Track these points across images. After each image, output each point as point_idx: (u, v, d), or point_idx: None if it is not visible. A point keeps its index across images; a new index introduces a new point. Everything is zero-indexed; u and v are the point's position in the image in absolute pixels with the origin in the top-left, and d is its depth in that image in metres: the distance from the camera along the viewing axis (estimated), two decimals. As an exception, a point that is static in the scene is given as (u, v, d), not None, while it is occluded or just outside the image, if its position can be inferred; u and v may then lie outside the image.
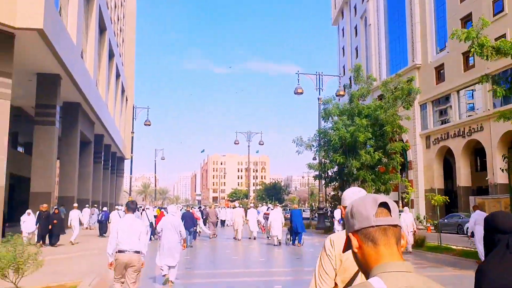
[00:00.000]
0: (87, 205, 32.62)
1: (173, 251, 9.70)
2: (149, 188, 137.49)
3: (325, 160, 26.02)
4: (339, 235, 2.60)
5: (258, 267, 13.08)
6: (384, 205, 1.40)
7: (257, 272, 12.09)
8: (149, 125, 39.94)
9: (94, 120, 37.22)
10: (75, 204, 25.50)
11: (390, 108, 24.34)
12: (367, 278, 1.38)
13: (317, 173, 27.73)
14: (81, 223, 23.99)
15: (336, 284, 2.56)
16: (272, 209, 22.93)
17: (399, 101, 24.62)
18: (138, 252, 6.80)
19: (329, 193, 31.57)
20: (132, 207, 7.31)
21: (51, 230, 18.06)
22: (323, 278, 2.56)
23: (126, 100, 57.75)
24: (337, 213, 24.06)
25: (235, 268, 12.96)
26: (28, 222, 18.53)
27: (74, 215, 21.85)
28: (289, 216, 20.96)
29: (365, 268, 1.41)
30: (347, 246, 1.47)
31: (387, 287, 1.28)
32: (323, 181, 28.33)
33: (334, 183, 27.00)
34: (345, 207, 2.69)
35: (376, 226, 1.37)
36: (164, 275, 10.15)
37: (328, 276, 2.55)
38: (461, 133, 31.87)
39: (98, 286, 9.67)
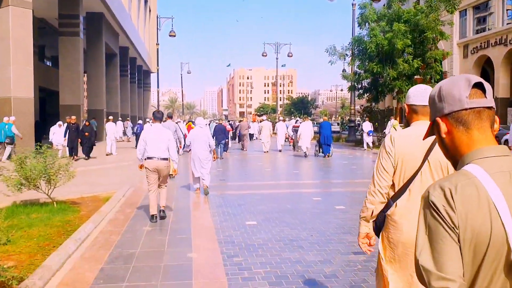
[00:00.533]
0: (120, 119, 32.91)
1: (203, 163, 9.68)
2: (176, 102, 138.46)
3: (360, 70, 24.69)
4: (400, 134, 2.59)
5: (292, 179, 12.72)
6: (478, 85, 1.29)
7: (292, 184, 11.73)
8: (174, 36, 38.59)
9: (118, 31, 36.17)
10: (111, 117, 25.49)
11: (432, 13, 22.38)
12: (454, 165, 1.35)
13: (350, 84, 26.57)
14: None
15: (393, 183, 2.55)
16: (301, 122, 22.79)
17: (442, 5, 22.54)
18: (165, 159, 7.18)
19: (362, 106, 30.52)
20: (158, 116, 7.57)
21: (82, 142, 17.41)
22: (382, 175, 2.56)
23: (150, 11, 55.72)
24: (366, 126, 24.55)
25: (269, 179, 12.64)
26: (58, 134, 18.34)
27: (109, 127, 21.79)
28: (318, 129, 20.81)
29: (453, 154, 1.34)
30: (430, 132, 1.40)
31: (487, 173, 1.20)
32: (356, 93, 27.18)
33: (367, 94, 25.87)
34: (409, 105, 2.63)
35: (470, 108, 1.28)
36: (196, 189, 10.11)
37: (387, 173, 2.55)
38: (502, 41, 29.55)
39: (132, 197, 9.48)
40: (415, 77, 24.02)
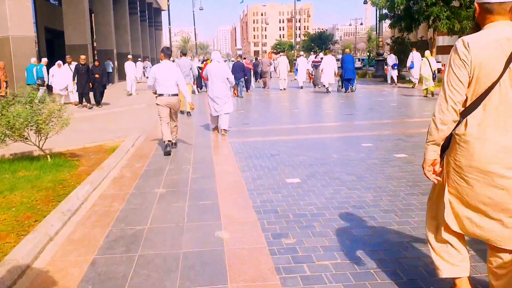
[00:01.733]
0: (139, 59, 31.23)
1: (223, 100, 8.82)
2: (189, 42, 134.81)
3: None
4: (475, 37, 2.19)
5: (326, 120, 11.00)
6: None
7: (328, 127, 10.04)
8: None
9: (124, -36, 33.41)
10: (129, 56, 23.97)
11: None
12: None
13: (379, 13, 23.96)
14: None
15: (466, 97, 2.23)
16: (322, 57, 21.43)
17: None
18: (175, 95, 7.32)
19: (392, 37, 27.89)
20: (167, 53, 7.54)
21: (93, 87, 15.01)
22: (456, 88, 2.20)
23: None
24: (391, 59, 23.00)
25: (300, 122, 10.96)
26: (59, 76, 15.48)
27: (129, 67, 20.79)
28: (340, 63, 19.66)
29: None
30: None
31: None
32: (386, 23, 24.62)
33: (400, 23, 23.28)
34: (481, 4, 2.23)
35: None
36: (214, 128, 9.35)
37: (462, 85, 2.20)
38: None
39: (143, 146, 7.95)
40: (454, 1, 21.36)
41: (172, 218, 4.20)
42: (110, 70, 27.68)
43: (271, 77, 25.18)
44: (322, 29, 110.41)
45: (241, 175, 5.65)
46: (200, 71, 19.66)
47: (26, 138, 6.49)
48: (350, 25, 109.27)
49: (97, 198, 4.91)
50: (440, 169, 2.40)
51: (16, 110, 6.21)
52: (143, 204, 4.63)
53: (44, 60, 15.83)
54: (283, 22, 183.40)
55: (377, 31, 28.65)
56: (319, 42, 79.23)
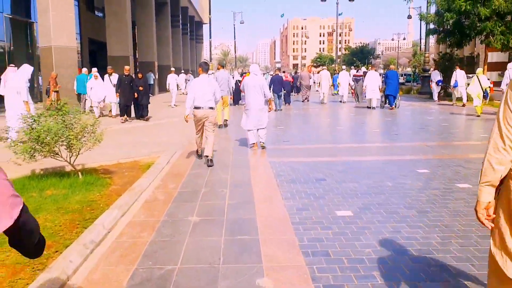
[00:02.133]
0: (182, 71, 31.56)
1: (259, 113, 8.80)
2: (229, 55, 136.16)
3: (442, 10, 21.01)
4: None
5: (373, 140, 10.24)
6: None
7: (377, 148, 9.29)
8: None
9: (168, -23, 33.83)
10: (172, 69, 24.80)
11: None
12: None
13: (426, 27, 22.94)
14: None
15: None
16: (364, 71, 21.64)
17: None
18: (212, 108, 7.48)
19: (440, 52, 26.73)
20: (205, 67, 7.68)
21: (137, 99, 14.42)
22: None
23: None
24: (435, 75, 22.05)
25: (345, 140, 10.27)
26: (97, 88, 15.04)
27: (171, 79, 21.15)
28: (383, 79, 19.40)
29: None
30: None
31: None
32: (435, 37, 23.56)
33: (449, 38, 22.21)
34: None
35: None
36: (252, 144, 8.94)
37: None
38: None
39: (178, 164, 7.50)
40: (509, 15, 20.14)
41: (206, 256, 3.65)
42: (152, 82, 27.83)
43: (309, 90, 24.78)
44: (363, 43, 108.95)
45: (284, 204, 5.05)
46: (239, 84, 19.84)
47: (57, 154, 6.16)
48: (392, 39, 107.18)
49: (125, 225, 4.44)
50: (494, 215, 2.13)
51: (47, 124, 5.88)
52: (174, 236, 4.11)
53: (94, 70, 15.80)
54: (323, 36, 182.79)
55: (424, 46, 27.50)
56: (360, 56, 78.09)
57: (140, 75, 15.20)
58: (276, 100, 18.00)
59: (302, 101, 22.66)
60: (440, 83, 21.99)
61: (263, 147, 8.81)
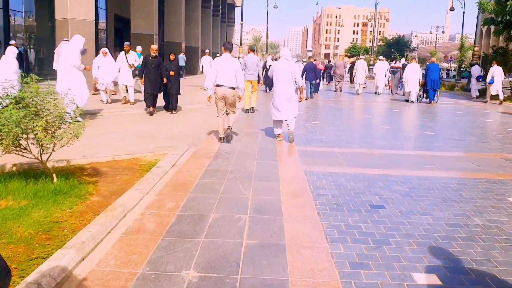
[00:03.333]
0: (218, 54, 30.23)
1: (287, 104, 7.94)
2: (260, 41, 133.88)
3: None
4: None
5: (434, 146, 8.36)
6: None
7: (444, 158, 7.42)
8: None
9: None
10: (207, 51, 23.40)
11: None
12: None
13: (483, 16, 20.54)
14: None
15: None
16: (404, 63, 20.98)
17: None
18: (233, 88, 7.45)
19: (494, 46, 24.18)
20: (228, 47, 7.72)
21: (166, 86, 11.44)
22: None
23: None
24: (476, 70, 20.78)
25: (397, 146, 8.42)
26: (106, 67, 12.79)
27: (206, 62, 20.19)
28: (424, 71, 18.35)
29: None
30: None
31: None
32: (484, 30, 21.13)
33: (506, 31, 19.78)
34: None
35: None
36: (277, 135, 8.26)
37: None
38: None
39: (186, 168, 5.85)
40: None
41: None
42: (183, 64, 26.33)
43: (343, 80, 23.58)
44: (399, 34, 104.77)
45: (329, 253, 3.34)
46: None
47: (25, 149, 4.62)
48: (430, 32, 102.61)
49: (80, 280, 2.82)
50: None
51: (8, 109, 4.32)
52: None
53: (139, 48, 15.21)
54: (357, 26, 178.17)
55: (474, 39, 25.02)
56: (396, 48, 74.92)
57: (172, 56, 11.78)
58: (308, 88, 17.54)
59: (335, 91, 21.89)
60: (480, 79, 20.52)
61: (291, 140, 7.87)
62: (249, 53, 12.45)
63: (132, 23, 21.72)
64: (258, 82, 12.19)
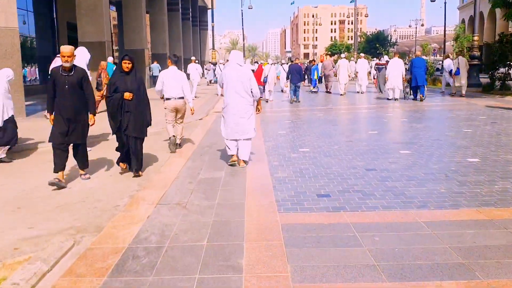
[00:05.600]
0: (195, 60, 27.57)
1: (241, 120, 6.47)
2: (237, 45, 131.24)
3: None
4: None
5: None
6: None
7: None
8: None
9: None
10: (193, 58, 22.46)
11: None
12: None
13: None
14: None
15: None
16: (387, 60, 20.36)
17: None
18: (181, 98, 7.82)
19: (501, 33, 21.40)
20: (174, 59, 8.03)
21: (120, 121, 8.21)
22: None
23: None
24: (448, 63, 19.59)
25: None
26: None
27: (193, 70, 19.40)
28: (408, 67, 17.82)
29: None
30: None
31: None
32: (496, 14, 18.39)
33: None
34: None
35: None
36: (232, 156, 6.67)
37: None
38: None
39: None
40: None
41: None
42: (157, 74, 22.92)
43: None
44: (378, 30, 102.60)
45: None
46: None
47: None
48: (409, 26, 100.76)
49: None
50: None
51: None
52: None
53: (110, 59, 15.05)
54: (334, 24, 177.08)
55: (473, 28, 22.32)
56: (376, 44, 72.80)
57: (126, 65, 6.10)
58: (293, 91, 17.23)
59: (326, 92, 21.54)
60: (458, 74, 18.42)
61: (244, 165, 6.57)
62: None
63: (79, 30, 18.43)
64: None
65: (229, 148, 6.68)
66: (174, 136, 7.89)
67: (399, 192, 5.08)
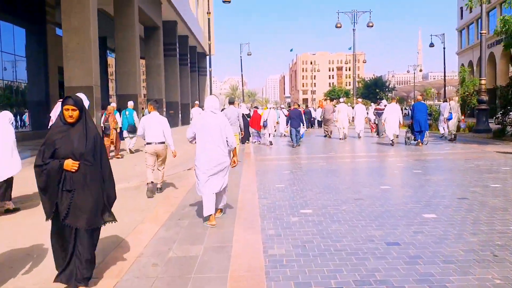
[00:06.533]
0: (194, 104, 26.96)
1: (215, 173, 5.82)
2: (237, 90, 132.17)
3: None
4: None
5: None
6: None
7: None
8: (229, 2, 30.26)
9: (160, -2, 28.52)
10: (196, 102, 22.79)
11: None
12: None
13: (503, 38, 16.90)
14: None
15: None
16: (386, 105, 19.95)
17: None
18: (162, 142, 8.01)
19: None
20: (156, 105, 8.26)
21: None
22: None
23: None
24: (444, 108, 19.04)
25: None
26: None
27: (196, 113, 19.03)
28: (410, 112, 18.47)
29: None
30: None
31: None
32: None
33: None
34: None
35: None
36: (208, 220, 5.83)
37: None
38: None
39: None
40: None
41: None
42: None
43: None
44: (375, 76, 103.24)
45: None
46: (248, 119, 19.41)
47: None
48: (408, 72, 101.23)
49: None
50: None
51: None
52: None
53: (131, 103, 15.48)
54: (332, 70, 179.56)
55: (480, 71, 21.46)
56: (374, 89, 72.81)
57: (70, 112, 3.74)
58: (294, 136, 17.09)
59: (324, 136, 21.87)
60: (451, 118, 18.36)
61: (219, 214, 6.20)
62: (229, 105, 12.90)
63: (65, 73, 17.43)
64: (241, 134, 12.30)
65: (206, 206, 5.80)
66: (152, 182, 8.08)
67: (438, 285, 3.68)
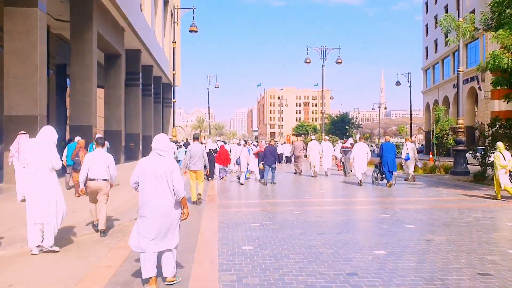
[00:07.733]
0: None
1: (162, 225, 4.94)
2: (204, 123, 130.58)
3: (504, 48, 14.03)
4: None
5: None
6: None
7: None
8: (196, 31, 28.91)
9: (123, 25, 26.85)
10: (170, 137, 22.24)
11: None
12: None
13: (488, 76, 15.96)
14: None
15: None
16: (352, 143, 21.11)
17: None
18: (105, 180, 7.78)
19: (495, 117, 19.44)
20: (100, 142, 8.12)
21: None
22: None
23: (172, 16, 46.70)
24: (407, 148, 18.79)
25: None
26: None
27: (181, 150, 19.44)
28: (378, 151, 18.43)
29: None
30: None
31: None
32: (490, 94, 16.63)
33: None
34: None
35: None
36: (149, 281, 4.90)
37: None
38: None
39: None
40: None
41: None
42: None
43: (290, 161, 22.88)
44: (341, 112, 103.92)
45: None
46: (215, 154, 18.69)
47: None
48: (373, 109, 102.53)
49: None
50: None
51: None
52: None
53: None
54: (299, 105, 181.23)
55: (457, 110, 20.65)
56: (342, 125, 72.77)
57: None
58: (267, 173, 16.62)
59: (295, 173, 21.72)
60: (408, 159, 18.51)
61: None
62: (194, 141, 12.39)
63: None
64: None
65: (145, 267, 4.91)
66: (97, 220, 7.94)
67: None
